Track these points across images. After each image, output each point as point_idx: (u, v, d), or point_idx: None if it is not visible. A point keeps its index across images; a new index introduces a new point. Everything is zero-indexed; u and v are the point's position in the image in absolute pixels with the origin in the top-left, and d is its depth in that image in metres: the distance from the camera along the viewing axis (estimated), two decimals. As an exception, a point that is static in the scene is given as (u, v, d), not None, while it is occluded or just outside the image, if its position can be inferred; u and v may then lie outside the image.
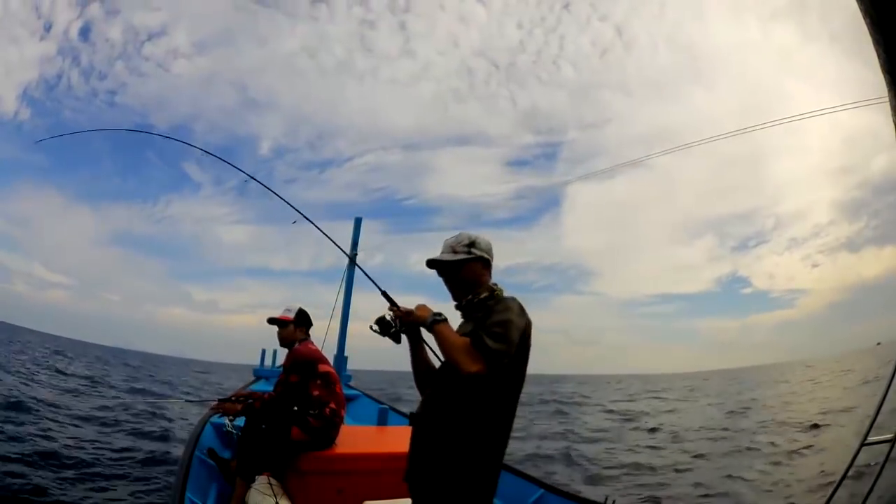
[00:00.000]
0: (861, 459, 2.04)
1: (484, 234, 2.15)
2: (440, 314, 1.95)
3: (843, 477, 2.08)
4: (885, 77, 1.46)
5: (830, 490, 2.13)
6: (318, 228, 3.17)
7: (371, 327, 2.13)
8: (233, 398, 3.78)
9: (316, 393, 3.58)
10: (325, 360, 3.77)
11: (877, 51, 1.35)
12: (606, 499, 3.35)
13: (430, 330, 1.94)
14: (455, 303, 2.10)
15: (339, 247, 3.24)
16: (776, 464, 7.79)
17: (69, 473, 4.99)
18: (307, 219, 3.26)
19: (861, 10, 1.24)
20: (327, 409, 3.53)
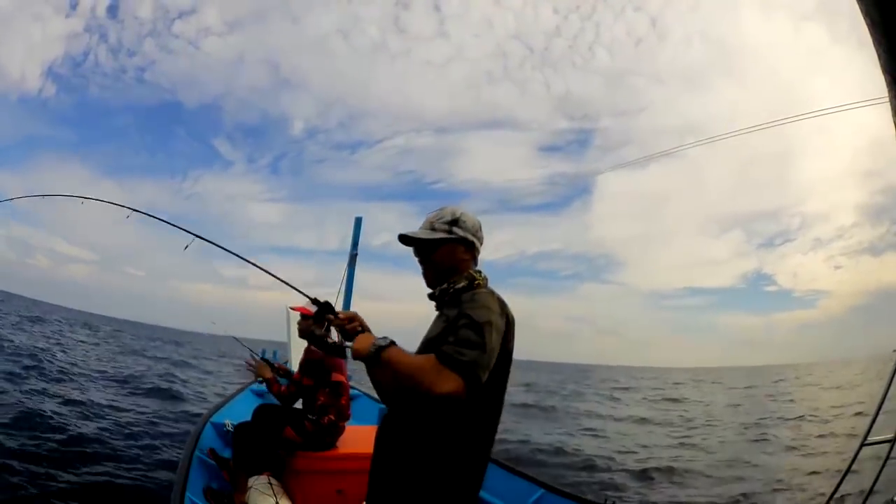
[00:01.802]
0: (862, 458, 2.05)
1: (471, 213, 1.79)
2: (385, 339, 1.56)
3: (844, 477, 2.08)
4: (885, 77, 1.46)
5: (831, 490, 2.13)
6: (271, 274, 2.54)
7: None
8: (276, 366, 3.87)
9: (321, 400, 3.54)
10: (339, 368, 3.67)
11: (877, 51, 1.36)
12: (606, 499, 3.35)
13: (375, 364, 1.54)
14: (428, 291, 1.77)
15: (296, 289, 2.25)
16: None
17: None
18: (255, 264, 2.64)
19: (861, 10, 1.24)
20: (326, 419, 3.49)
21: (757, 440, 10.46)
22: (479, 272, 1.74)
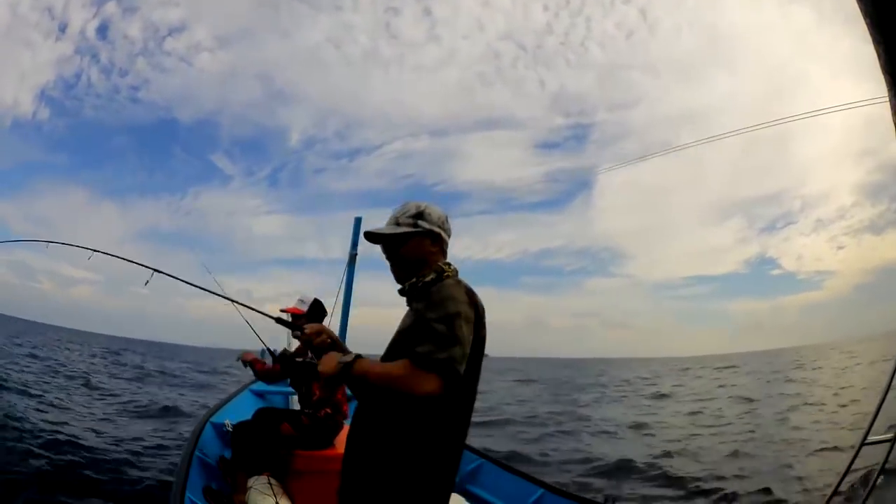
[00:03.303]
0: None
1: (436, 205, 1.77)
2: (350, 355, 1.56)
3: (844, 477, 2.08)
4: (885, 77, 1.45)
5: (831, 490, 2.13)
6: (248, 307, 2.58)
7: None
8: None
9: (317, 395, 3.58)
10: None
11: (877, 51, 1.35)
12: (606, 499, 3.36)
13: (346, 381, 1.56)
14: (398, 287, 1.75)
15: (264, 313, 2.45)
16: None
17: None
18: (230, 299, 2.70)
19: (861, 10, 1.24)
20: (322, 412, 3.52)
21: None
22: (449, 264, 1.73)
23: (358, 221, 7.08)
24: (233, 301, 2.57)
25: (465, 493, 3.78)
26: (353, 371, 1.52)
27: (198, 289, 2.66)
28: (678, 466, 7.03)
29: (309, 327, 1.76)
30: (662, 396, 17.86)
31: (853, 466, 2.05)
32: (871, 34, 1.29)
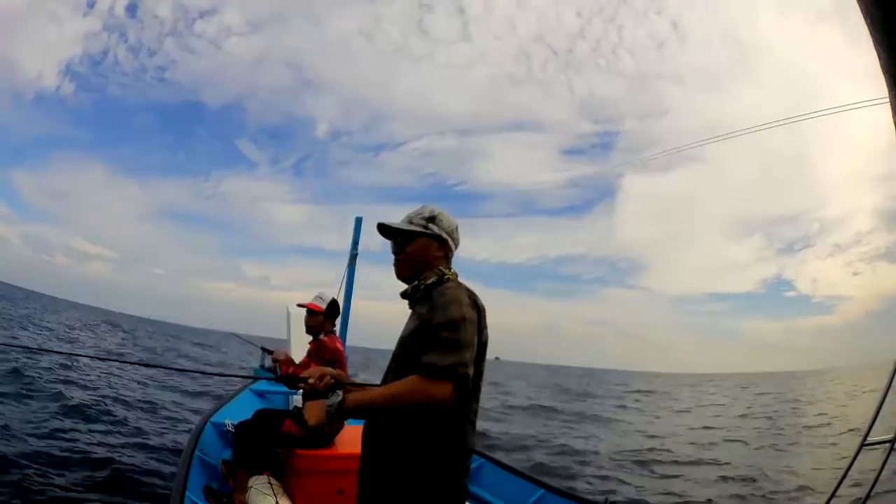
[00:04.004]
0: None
1: (450, 215, 1.83)
2: (336, 395, 1.57)
3: (844, 477, 2.08)
4: (885, 77, 1.46)
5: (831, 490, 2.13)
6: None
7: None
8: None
9: (293, 430, 3.49)
10: (344, 364, 3.74)
11: (877, 51, 1.35)
12: (606, 499, 3.36)
13: (343, 417, 1.58)
14: (401, 290, 1.80)
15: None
16: None
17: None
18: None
19: (861, 10, 1.24)
20: None
21: None
22: (450, 269, 1.78)
23: (358, 222, 7.08)
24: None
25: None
26: (346, 408, 1.56)
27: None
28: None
29: (310, 375, 1.65)
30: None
31: (853, 467, 2.04)
32: (872, 34, 1.29)
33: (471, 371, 1.52)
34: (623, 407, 19.73)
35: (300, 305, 3.83)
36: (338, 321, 4.00)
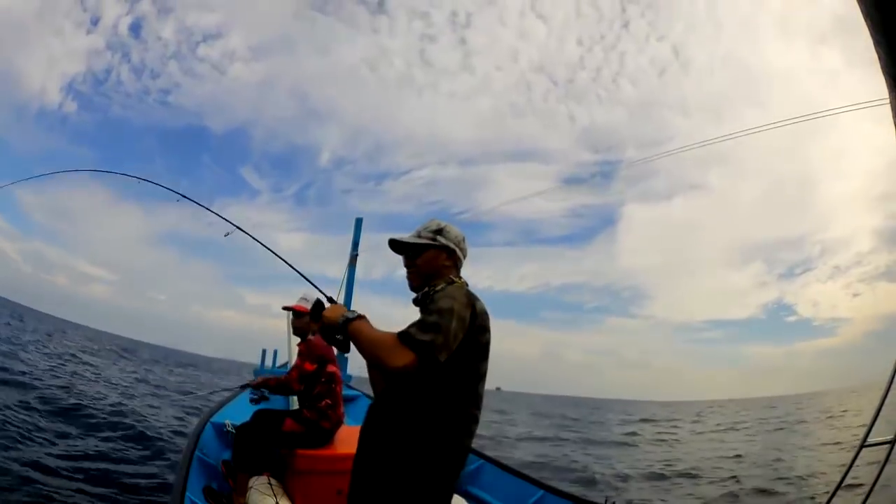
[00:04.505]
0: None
1: (456, 227, 1.95)
2: (354, 312, 1.72)
3: (844, 477, 2.08)
4: (885, 78, 1.46)
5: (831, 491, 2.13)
6: (285, 261, 2.67)
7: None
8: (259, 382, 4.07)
9: (317, 389, 3.62)
10: (334, 360, 3.81)
11: (877, 52, 1.36)
12: (607, 500, 3.35)
13: (344, 333, 1.70)
14: (413, 296, 1.91)
15: (310, 281, 2.51)
16: None
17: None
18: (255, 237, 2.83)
19: (861, 11, 1.24)
20: (322, 403, 3.56)
21: None
22: (460, 278, 1.91)
23: (359, 222, 7.10)
24: (295, 269, 2.58)
25: (465, 494, 3.78)
26: (350, 326, 1.67)
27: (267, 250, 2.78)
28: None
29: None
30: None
31: (853, 468, 2.05)
32: (871, 34, 1.30)
33: (441, 357, 1.57)
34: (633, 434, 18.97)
35: (285, 308, 3.84)
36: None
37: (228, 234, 2.84)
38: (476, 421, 1.77)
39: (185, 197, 3.12)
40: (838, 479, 2.11)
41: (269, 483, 3.24)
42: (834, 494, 2.14)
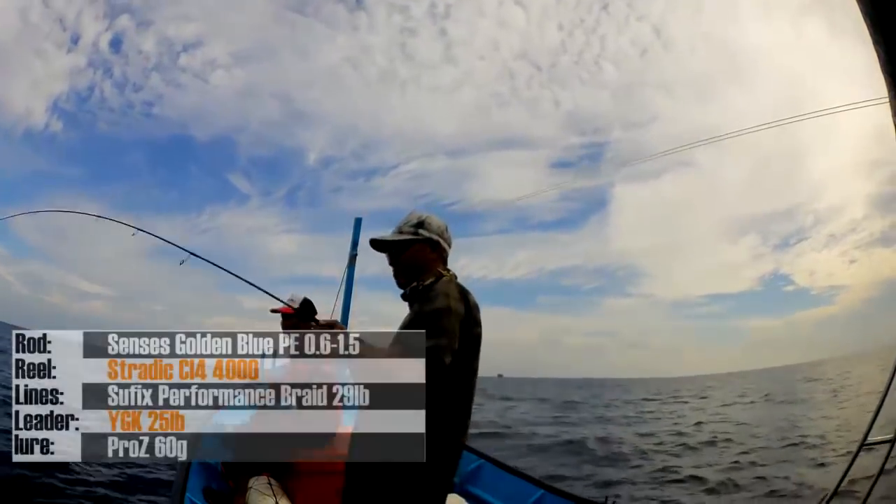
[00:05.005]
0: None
1: (437, 216, 1.89)
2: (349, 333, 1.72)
3: (844, 477, 2.08)
4: (885, 77, 1.46)
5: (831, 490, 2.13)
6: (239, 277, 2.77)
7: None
8: None
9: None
10: None
11: (877, 51, 1.35)
12: (607, 499, 3.35)
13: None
14: (401, 292, 1.87)
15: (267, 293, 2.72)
16: None
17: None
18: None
19: (861, 10, 1.24)
20: None
21: None
22: (448, 270, 1.84)
23: (358, 222, 7.07)
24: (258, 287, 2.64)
25: (465, 494, 3.77)
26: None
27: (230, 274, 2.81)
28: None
29: (324, 321, 1.89)
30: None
31: (853, 467, 2.04)
32: (871, 34, 1.29)
33: (446, 358, 1.55)
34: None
35: (273, 311, 3.78)
36: (335, 319, 3.98)
37: (183, 261, 2.80)
38: (469, 416, 1.74)
39: (140, 230, 3.09)
40: (837, 479, 2.11)
41: (269, 483, 3.23)
42: (834, 493, 2.14)
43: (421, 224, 1.84)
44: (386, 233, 1.89)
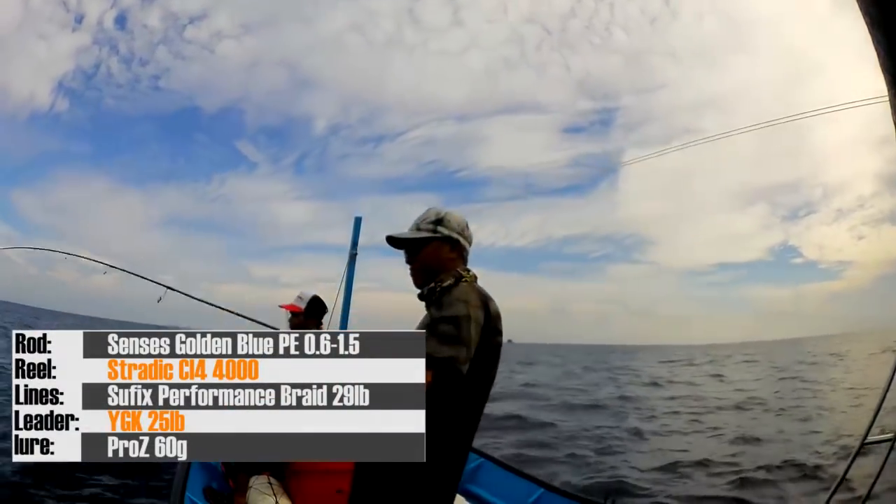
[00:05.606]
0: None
1: (458, 212, 1.78)
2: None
3: (843, 476, 2.08)
4: (884, 77, 1.45)
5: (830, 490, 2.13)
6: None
7: None
8: None
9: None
10: None
11: (877, 50, 1.35)
12: (607, 498, 3.35)
13: None
14: (418, 291, 1.77)
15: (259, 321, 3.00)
16: None
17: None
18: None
19: (860, 9, 1.23)
20: None
21: None
22: (468, 270, 1.72)
23: (358, 221, 7.06)
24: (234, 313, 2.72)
25: (465, 493, 3.78)
26: None
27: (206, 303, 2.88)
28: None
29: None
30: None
31: (852, 467, 2.04)
32: (871, 34, 1.29)
33: (464, 368, 1.48)
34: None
35: (281, 307, 3.79)
36: (335, 318, 3.99)
37: (160, 298, 2.82)
38: (478, 422, 1.70)
39: (112, 267, 3.11)
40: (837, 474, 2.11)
41: (269, 483, 3.23)
42: (834, 493, 2.14)
43: (440, 221, 1.74)
44: (402, 232, 1.79)
